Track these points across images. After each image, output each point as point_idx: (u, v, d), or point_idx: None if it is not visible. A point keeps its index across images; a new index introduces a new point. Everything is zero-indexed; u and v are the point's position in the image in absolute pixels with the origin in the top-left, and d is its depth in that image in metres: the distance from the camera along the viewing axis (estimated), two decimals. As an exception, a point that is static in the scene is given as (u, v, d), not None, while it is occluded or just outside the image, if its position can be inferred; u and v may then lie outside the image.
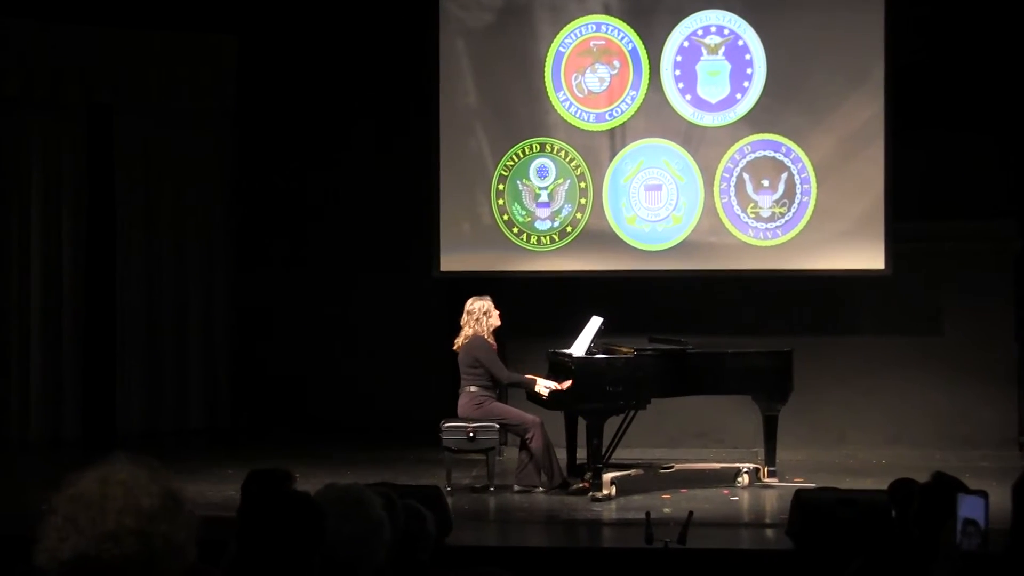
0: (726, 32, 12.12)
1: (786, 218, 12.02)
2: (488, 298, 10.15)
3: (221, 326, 13.75)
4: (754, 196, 12.06)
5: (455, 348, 10.12)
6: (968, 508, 3.67)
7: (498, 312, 10.14)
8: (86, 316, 13.21)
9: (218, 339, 13.74)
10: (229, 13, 13.35)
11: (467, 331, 10.04)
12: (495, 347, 10.12)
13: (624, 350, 9.99)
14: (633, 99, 12.16)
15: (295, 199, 13.57)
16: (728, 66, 12.11)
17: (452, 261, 12.26)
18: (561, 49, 12.22)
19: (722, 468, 10.60)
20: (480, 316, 10.04)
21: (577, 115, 12.20)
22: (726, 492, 10.05)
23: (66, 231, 13.09)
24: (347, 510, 3.73)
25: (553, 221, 12.23)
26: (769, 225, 12.04)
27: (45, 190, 13.00)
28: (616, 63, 12.21)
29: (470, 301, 10.14)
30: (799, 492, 7.97)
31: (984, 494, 3.71)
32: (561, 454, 10.30)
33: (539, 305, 12.04)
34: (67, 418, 13.07)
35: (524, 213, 12.24)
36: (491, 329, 10.09)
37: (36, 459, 12.22)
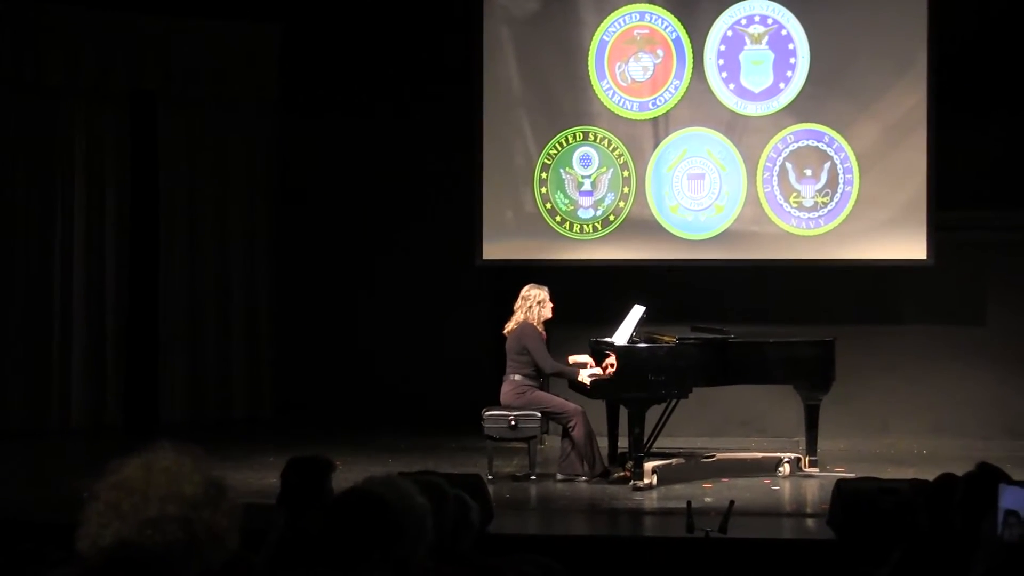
0: (769, 22, 12.08)
1: (828, 208, 11.97)
2: (546, 288, 10.13)
3: (263, 314, 13.78)
4: (797, 185, 12.02)
5: (505, 332, 10.13)
6: (1010, 499, 3.66)
7: (552, 304, 10.13)
8: (129, 303, 13.29)
9: (260, 327, 13.77)
10: (273, 1, 13.38)
11: (519, 316, 10.04)
12: (544, 337, 10.12)
13: (666, 339, 9.98)
14: (677, 88, 12.14)
15: (337, 188, 13.59)
16: (771, 55, 12.07)
17: (495, 249, 12.27)
18: (605, 38, 12.21)
19: (763, 457, 10.58)
20: (534, 304, 10.03)
21: (620, 104, 12.19)
22: (767, 481, 10.03)
23: (109, 219, 13.16)
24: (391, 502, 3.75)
25: (596, 210, 12.22)
26: (812, 215, 12.00)
27: (88, 179, 13.06)
28: (660, 52, 12.19)
29: (527, 288, 10.13)
30: (840, 481, 7.92)
31: (1027, 485, 3.69)
32: (603, 443, 10.31)
33: (581, 294, 12.02)
34: (109, 406, 13.14)
35: (567, 202, 12.24)
36: (542, 319, 10.08)
37: (78, 447, 12.30)
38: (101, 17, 12.88)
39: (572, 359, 10.23)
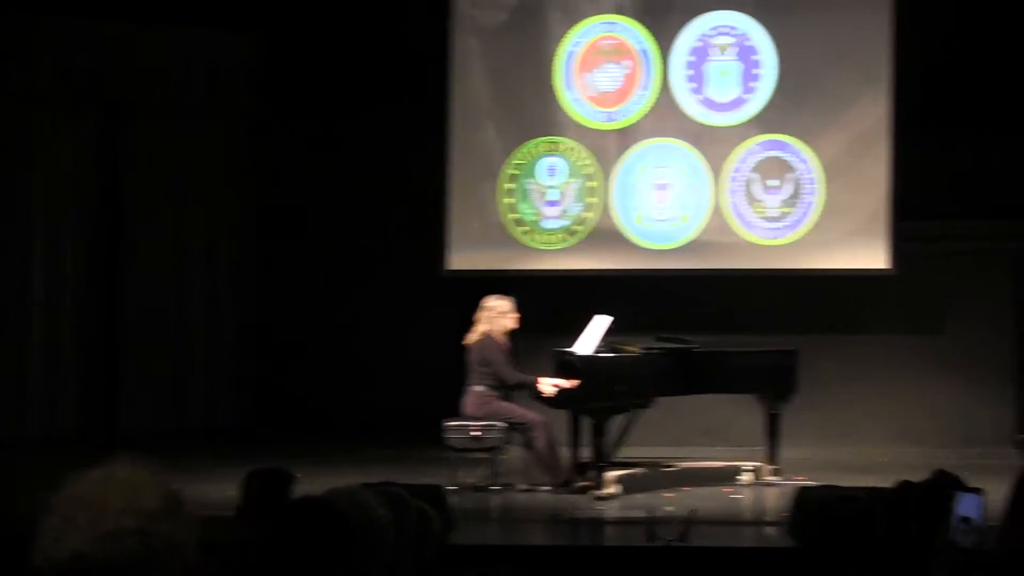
0: (736, 33, 12.15)
1: (793, 218, 12.05)
2: (508, 299, 10.13)
3: (225, 323, 13.70)
4: (762, 196, 12.09)
5: (466, 343, 10.14)
6: (965, 506, 3.71)
7: (518, 315, 10.15)
8: (89, 314, 13.14)
9: (222, 336, 13.67)
10: (243, 10, 13.35)
11: (481, 327, 10.05)
12: (507, 348, 10.13)
13: (631, 349, 10.03)
14: (643, 99, 12.19)
15: (304, 197, 13.58)
16: (738, 66, 12.14)
17: (460, 259, 12.29)
18: (572, 48, 12.26)
19: (725, 466, 10.63)
20: (495, 315, 10.04)
21: (587, 114, 12.24)
22: (728, 490, 10.09)
23: (72, 227, 13.04)
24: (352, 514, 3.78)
25: (561, 220, 12.27)
26: (776, 225, 12.07)
27: (51, 186, 12.92)
28: (627, 62, 12.24)
29: (488, 299, 10.15)
30: (801, 490, 7.99)
31: (981, 491, 3.74)
32: (565, 453, 10.33)
33: (547, 304, 12.04)
34: (67, 417, 12.96)
35: (533, 212, 12.28)
36: (504, 330, 10.09)
37: (35, 459, 12.15)
38: (66, 24, 12.79)
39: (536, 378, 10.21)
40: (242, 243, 13.70)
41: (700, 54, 12.17)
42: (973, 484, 4.29)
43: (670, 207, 12.19)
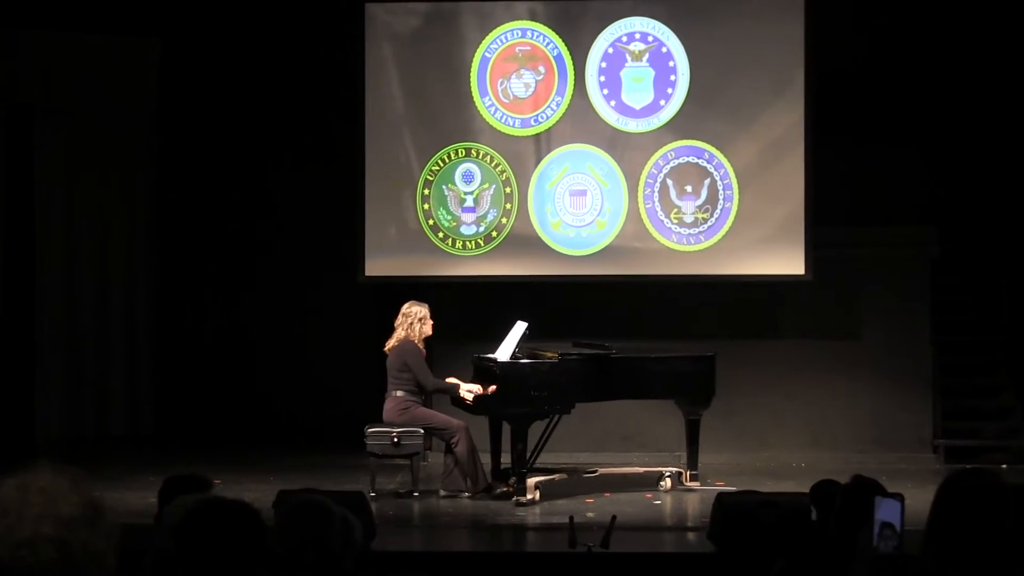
0: (650, 39, 12.19)
1: (709, 224, 12.10)
2: (426, 305, 10.12)
3: (142, 329, 13.61)
4: (677, 202, 12.14)
5: (386, 349, 10.10)
6: (885, 511, 3.72)
7: (433, 322, 10.13)
8: (4, 322, 13.00)
9: (140, 345, 13.59)
10: (153, 15, 13.25)
11: (400, 333, 10.02)
12: (424, 354, 10.11)
13: (549, 355, 10.02)
14: (558, 105, 12.20)
15: (219, 202, 13.49)
16: (652, 73, 12.19)
17: (377, 266, 12.24)
18: (487, 54, 12.25)
19: (645, 472, 10.65)
20: (415, 321, 10.01)
21: (503, 120, 12.23)
22: (649, 496, 10.11)
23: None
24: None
25: (478, 226, 12.25)
26: (692, 231, 12.12)
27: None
28: (541, 69, 12.25)
29: (408, 305, 10.12)
30: (721, 495, 8.03)
31: (900, 497, 3.76)
32: (485, 459, 10.30)
33: (464, 310, 12.05)
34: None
35: (450, 218, 12.25)
36: (423, 336, 10.07)
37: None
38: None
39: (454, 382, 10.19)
40: (159, 248, 13.57)
41: (614, 60, 12.20)
42: (891, 488, 4.32)
43: (587, 213, 12.21)
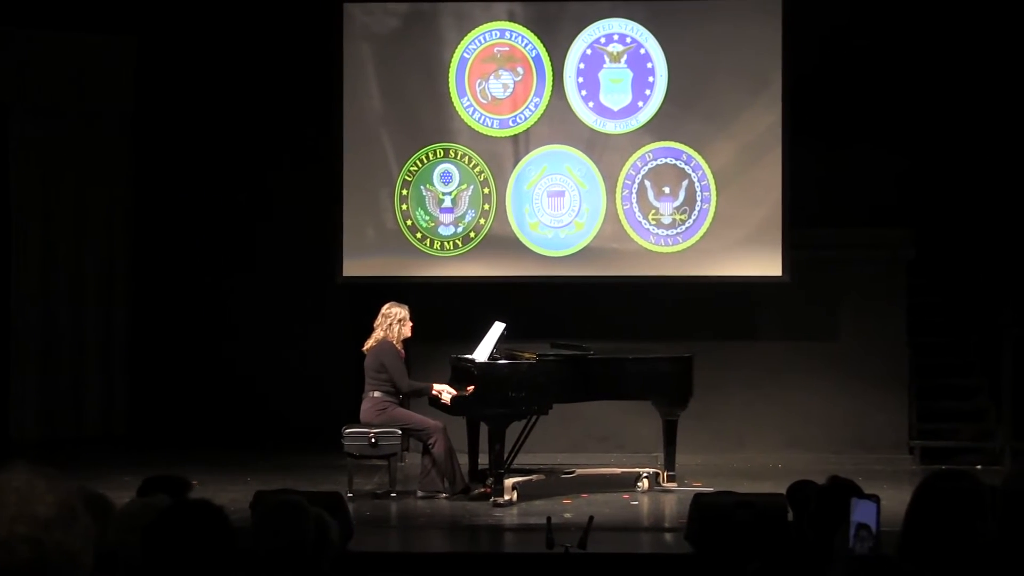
0: (628, 40, 12.20)
1: (687, 225, 12.12)
2: (406, 307, 10.11)
3: (119, 330, 13.56)
4: (655, 203, 12.15)
5: (364, 350, 10.09)
6: (861, 513, 3.73)
7: (412, 324, 10.12)
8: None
9: (116, 343, 13.55)
10: (129, 14, 13.21)
11: (378, 334, 10.00)
12: (403, 355, 10.10)
13: (527, 356, 10.02)
14: (536, 106, 12.20)
15: (195, 202, 13.45)
16: (630, 74, 12.20)
17: (355, 266, 12.22)
18: (465, 55, 12.24)
19: (623, 473, 10.66)
20: (394, 322, 10.00)
21: (481, 121, 12.23)
22: (626, 496, 10.12)
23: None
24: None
25: (456, 227, 12.24)
26: (670, 232, 12.13)
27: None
28: (520, 70, 12.25)
29: (387, 306, 10.10)
30: (698, 496, 8.04)
31: (876, 499, 3.76)
32: (463, 459, 10.30)
33: (442, 311, 12.03)
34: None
35: (428, 218, 12.24)
36: (402, 337, 10.06)
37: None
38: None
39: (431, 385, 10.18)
40: (136, 248, 13.53)
41: (592, 62, 12.21)
42: (867, 489, 4.32)
43: (565, 214, 12.21)
